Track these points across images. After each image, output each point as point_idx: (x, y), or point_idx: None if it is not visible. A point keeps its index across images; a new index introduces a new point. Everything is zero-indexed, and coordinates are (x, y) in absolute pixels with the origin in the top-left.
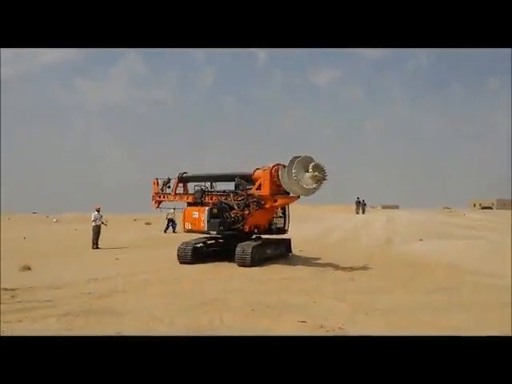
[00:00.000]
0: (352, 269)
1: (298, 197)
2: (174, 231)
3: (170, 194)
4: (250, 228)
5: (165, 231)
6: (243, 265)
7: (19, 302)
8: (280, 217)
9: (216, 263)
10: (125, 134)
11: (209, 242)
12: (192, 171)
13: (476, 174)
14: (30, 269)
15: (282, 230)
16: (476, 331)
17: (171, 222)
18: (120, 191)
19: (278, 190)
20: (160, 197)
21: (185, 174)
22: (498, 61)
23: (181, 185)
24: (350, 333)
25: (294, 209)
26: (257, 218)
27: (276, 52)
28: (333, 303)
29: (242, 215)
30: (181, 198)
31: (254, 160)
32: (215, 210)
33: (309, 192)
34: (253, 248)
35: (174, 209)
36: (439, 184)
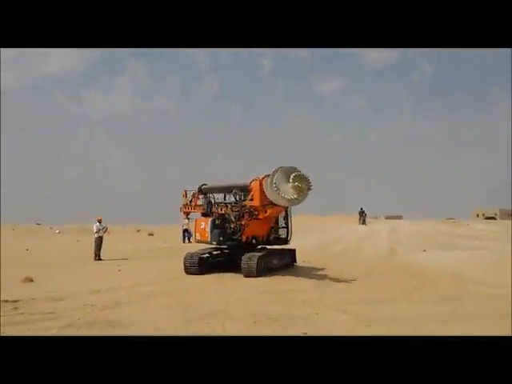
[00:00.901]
0: (355, 279)
1: (287, 207)
2: (183, 241)
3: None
4: (247, 238)
5: (184, 241)
6: (249, 275)
7: (21, 313)
8: (283, 227)
9: (222, 274)
10: (129, 143)
11: (214, 252)
12: (198, 180)
13: (480, 184)
14: (32, 280)
15: (284, 241)
16: None
17: (186, 232)
18: (123, 202)
19: (268, 201)
20: (187, 208)
21: (204, 186)
22: (499, 67)
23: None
24: None
25: (296, 220)
26: (253, 228)
27: (279, 60)
28: (335, 314)
29: (240, 225)
30: (201, 209)
31: (258, 167)
32: (218, 221)
33: (290, 202)
34: (259, 258)
35: (189, 219)
36: (443, 194)
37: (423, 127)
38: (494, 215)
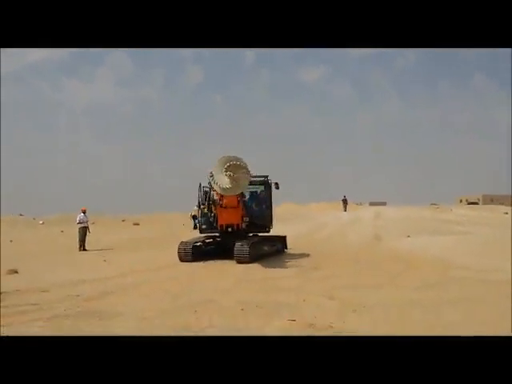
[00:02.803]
0: (341, 266)
1: (239, 194)
2: (194, 227)
3: None
4: (221, 227)
5: (194, 228)
6: (242, 261)
7: (5, 306)
8: (265, 215)
9: (214, 261)
10: (112, 133)
11: (207, 240)
12: (183, 169)
13: (463, 170)
14: (16, 272)
15: (265, 228)
16: (464, 327)
17: (196, 219)
18: (107, 191)
19: None
20: None
21: None
22: (483, 56)
23: None
24: (339, 330)
25: (281, 208)
26: (224, 216)
27: (263, 50)
28: (322, 301)
29: (215, 215)
30: None
31: (245, 158)
32: (205, 210)
33: (224, 191)
34: (251, 245)
35: (197, 206)
36: (427, 180)
37: (407, 114)
38: (476, 200)
